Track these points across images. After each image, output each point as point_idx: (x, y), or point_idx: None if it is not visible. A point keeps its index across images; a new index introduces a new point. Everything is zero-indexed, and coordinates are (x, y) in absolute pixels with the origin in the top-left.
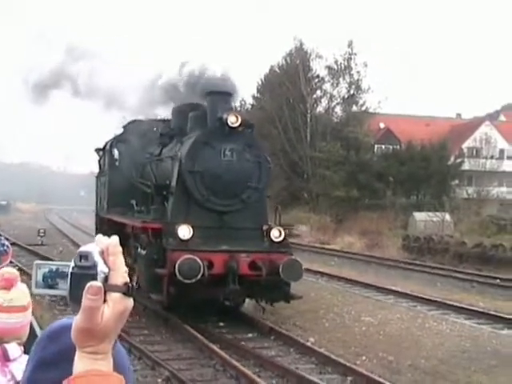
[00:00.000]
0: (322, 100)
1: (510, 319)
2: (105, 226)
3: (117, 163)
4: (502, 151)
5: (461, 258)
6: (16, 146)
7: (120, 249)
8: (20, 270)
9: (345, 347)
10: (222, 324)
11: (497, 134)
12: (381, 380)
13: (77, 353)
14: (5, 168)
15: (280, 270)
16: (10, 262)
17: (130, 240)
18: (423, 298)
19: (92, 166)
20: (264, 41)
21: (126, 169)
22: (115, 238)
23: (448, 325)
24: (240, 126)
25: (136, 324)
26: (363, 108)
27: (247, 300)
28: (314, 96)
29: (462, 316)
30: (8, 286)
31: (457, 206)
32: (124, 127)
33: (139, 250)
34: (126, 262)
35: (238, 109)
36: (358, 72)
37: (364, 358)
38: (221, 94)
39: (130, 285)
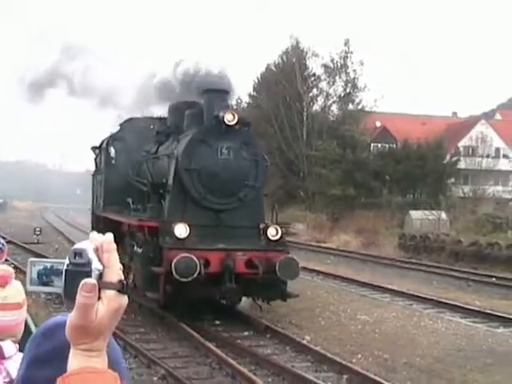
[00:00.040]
0: (319, 98)
1: (505, 318)
2: (101, 225)
3: (113, 161)
4: (497, 150)
5: (457, 256)
6: (12, 144)
7: (114, 246)
8: (16, 268)
9: (341, 345)
10: (218, 322)
11: (493, 132)
12: (376, 378)
13: (71, 350)
14: (1, 166)
15: (277, 268)
16: (6, 260)
17: (126, 238)
18: (419, 297)
19: (88, 164)
20: (260, 39)
21: (122, 167)
22: (109, 236)
23: (444, 323)
24: (237, 124)
25: (132, 322)
26: (359, 106)
27: (243, 298)
28: (311, 94)
29: (458, 314)
30: (2, 283)
31: (453, 204)
32: (120, 125)
33: (135, 248)
34: (122, 260)
35: (235, 107)
36: (354, 70)
37: (360, 356)
38: (217, 92)
39: (125, 282)
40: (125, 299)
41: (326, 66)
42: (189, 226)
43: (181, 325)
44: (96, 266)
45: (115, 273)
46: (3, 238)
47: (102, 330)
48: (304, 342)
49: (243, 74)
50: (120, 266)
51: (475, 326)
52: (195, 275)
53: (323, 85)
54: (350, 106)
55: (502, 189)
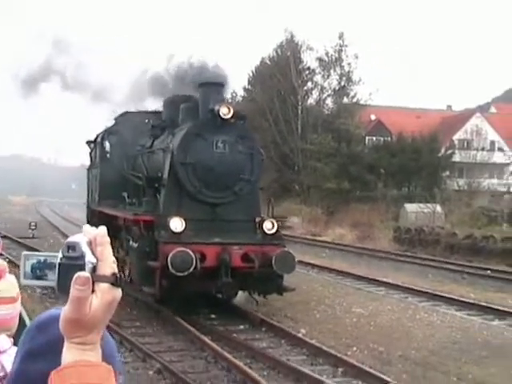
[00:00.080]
0: (313, 92)
1: (500, 310)
2: (96, 219)
3: (108, 155)
4: (492, 143)
5: (452, 249)
6: (7, 138)
7: (108, 239)
8: (10, 262)
9: (336, 338)
10: (213, 316)
11: (487, 125)
12: (371, 371)
13: (65, 343)
14: None
15: (273, 262)
16: (0, 254)
17: (122, 232)
18: (414, 290)
19: (83, 158)
20: (255, 33)
21: (117, 161)
22: (103, 229)
23: (439, 316)
24: (232, 117)
25: (127, 316)
26: (354, 100)
27: (239, 292)
28: (305, 88)
29: (453, 307)
30: None
31: (448, 197)
32: (115, 119)
33: (131, 242)
34: (117, 254)
35: (229, 101)
36: (348, 64)
37: (355, 349)
38: (213, 85)
39: (118, 275)
40: (118, 292)
41: (320, 60)
42: (184, 220)
43: (176, 319)
44: (89, 259)
45: (109, 266)
46: None
47: (95, 323)
48: (299, 335)
49: (238, 68)
50: (113, 259)
51: (470, 319)
52: (191, 269)
53: (318, 78)
54: (345, 100)
55: (497, 182)
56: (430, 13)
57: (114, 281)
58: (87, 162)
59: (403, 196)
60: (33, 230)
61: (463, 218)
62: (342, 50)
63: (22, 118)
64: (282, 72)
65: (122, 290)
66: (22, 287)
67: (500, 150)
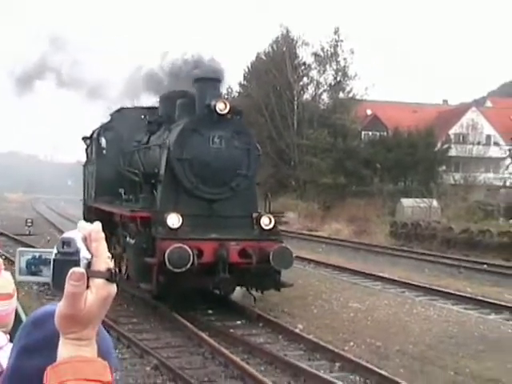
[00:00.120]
0: (309, 87)
1: (496, 304)
2: (93, 215)
3: (104, 152)
4: (488, 137)
5: (448, 243)
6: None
7: (103, 235)
8: (7, 259)
9: (333, 333)
10: (210, 312)
11: (483, 120)
12: (369, 365)
13: (61, 339)
14: None
15: (270, 257)
16: None
17: (119, 229)
18: (411, 284)
19: (79, 154)
20: (250, 28)
21: (113, 157)
22: (98, 224)
23: (435, 310)
24: (229, 112)
25: (124, 312)
26: (350, 95)
27: (236, 288)
28: (301, 83)
29: (450, 301)
30: None
31: (444, 191)
32: (111, 115)
33: (128, 239)
34: (114, 251)
35: (225, 96)
36: (344, 59)
37: (352, 343)
38: (209, 81)
39: (113, 271)
40: (113, 287)
41: (316, 55)
42: (181, 216)
43: (173, 315)
44: (84, 254)
45: (103, 261)
46: None
47: (90, 319)
48: (296, 330)
49: (233, 63)
50: (108, 254)
51: (467, 313)
52: (188, 266)
53: (314, 73)
54: (341, 95)
55: (493, 176)
56: (426, 7)
57: (109, 276)
58: (83, 159)
59: (399, 191)
60: (29, 226)
61: (459, 212)
62: (337, 45)
63: (19, 116)
64: (277, 67)
65: (117, 285)
66: (18, 284)
67: (496, 144)
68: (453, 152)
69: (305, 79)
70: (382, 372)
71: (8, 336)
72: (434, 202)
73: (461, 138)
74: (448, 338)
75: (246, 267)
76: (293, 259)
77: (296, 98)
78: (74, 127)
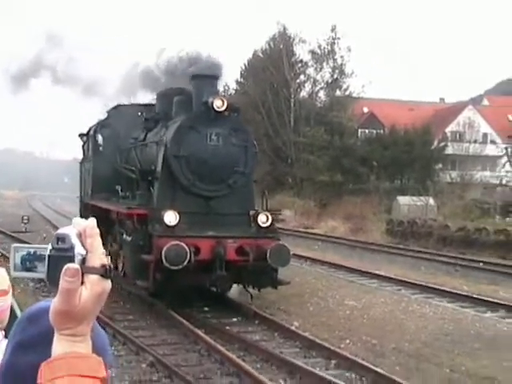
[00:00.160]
0: (306, 85)
1: (492, 302)
2: (89, 212)
3: (101, 149)
4: (485, 135)
5: (444, 241)
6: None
7: (97, 231)
8: (2, 256)
9: (329, 331)
10: (206, 309)
11: (480, 118)
12: (365, 363)
13: (55, 335)
14: None
15: (267, 255)
16: None
17: (115, 226)
18: (407, 282)
19: (76, 151)
20: (247, 25)
21: (110, 154)
22: (92, 220)
23: (431, 308)
24: (226, 110)
25: (120, 309)
26: (347, 92)
27: (233, 285)
28: (298, 81)
29: (446, 299)
30: None
31: (440, 189)
32: (108, 112)
33: (124, 236)
34: (111, 248)
35: (222, 94)
36: (341, 56)
37: (348, 341)
38: (207, 78)
39: (108, 267)
40: (108, 284)
41: (313, 52)
42: (178, 213)
43: (170, 312)
44: (79, 250)
45: (98, 257)
46: None
47: (85, 315)
48: (292, 327)
49: (230, 61)
50: (103, 250)
51: (463, 311)
52: (185, 263)
53: (310, 71)
54: (338, 92)
55: (490, 174)
56: (423, 5)
57: (104, 272)
58: (80, 156)
59: (396, 188)
60: (25, 223)
61: (456, 210)
62: (334, 43)
63: (15, 113)
64: (274, 65)
65: (112, 281)
66: (14, 281)
67: (492, 142)
68: (449, 150)
69: (302, 77)
70: (378, 369)
71: (3, 332)
72: (431, 200)
73: (457, 136)
74: (444, 336)
75: (243, 265)
76: (290, 257)
77: (293, 96)
78: (71, 124)
